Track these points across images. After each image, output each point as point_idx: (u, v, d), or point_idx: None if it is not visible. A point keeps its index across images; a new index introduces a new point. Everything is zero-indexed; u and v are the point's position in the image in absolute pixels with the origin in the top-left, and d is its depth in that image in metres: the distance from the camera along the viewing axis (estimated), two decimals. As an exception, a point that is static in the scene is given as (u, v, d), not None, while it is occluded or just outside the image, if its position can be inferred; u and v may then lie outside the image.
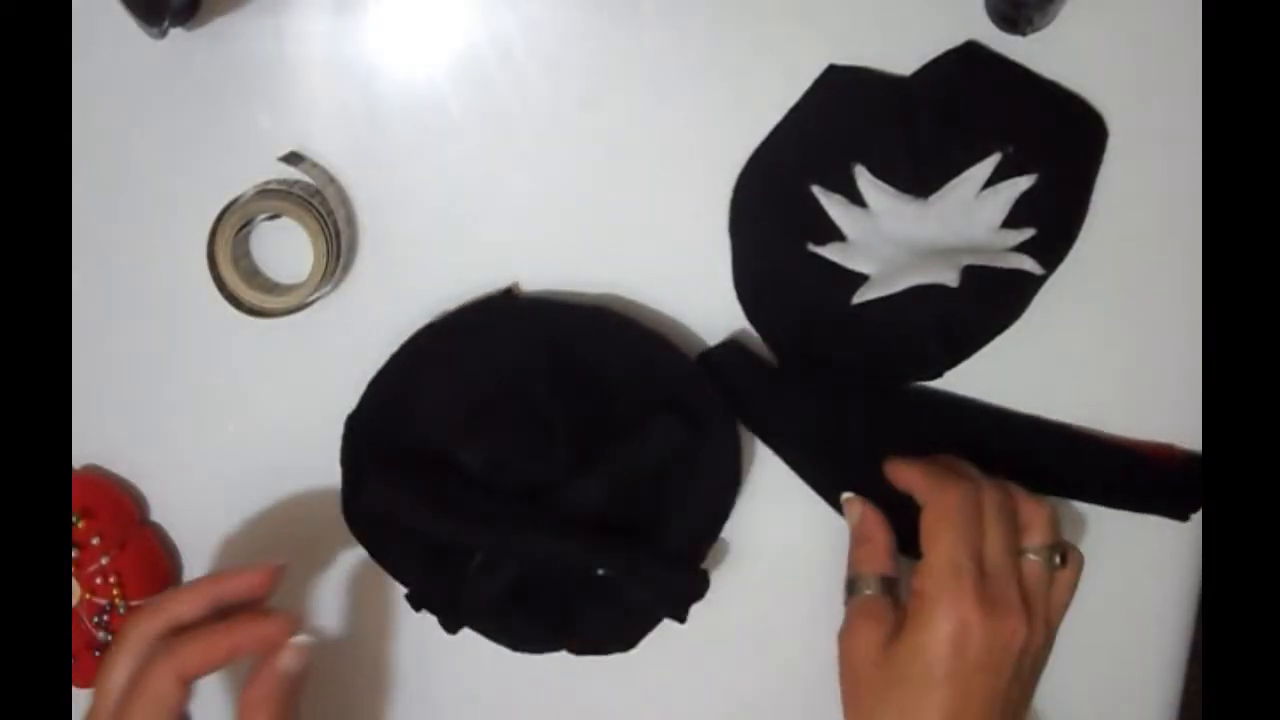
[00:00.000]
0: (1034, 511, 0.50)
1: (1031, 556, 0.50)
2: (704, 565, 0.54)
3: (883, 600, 0.51)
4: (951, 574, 0.48)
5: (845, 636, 0.51)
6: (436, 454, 0.52)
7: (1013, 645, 0.48)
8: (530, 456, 0.52)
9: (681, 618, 0.53)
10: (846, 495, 0.53)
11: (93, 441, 0.56)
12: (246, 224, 0.52)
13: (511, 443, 0.52)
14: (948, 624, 0.48)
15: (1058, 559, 0.50)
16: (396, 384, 0.53)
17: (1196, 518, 0.55)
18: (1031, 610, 0.49)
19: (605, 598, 0.53)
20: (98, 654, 0.55)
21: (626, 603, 0.54)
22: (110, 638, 0.55)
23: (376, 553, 0.54)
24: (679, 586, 0.53)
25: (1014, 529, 0.50)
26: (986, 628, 0.48)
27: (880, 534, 0.52)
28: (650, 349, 0.53)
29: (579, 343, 0.52)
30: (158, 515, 0.57)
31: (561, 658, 0.55)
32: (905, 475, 0.51)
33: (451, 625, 0.54)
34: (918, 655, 0.48)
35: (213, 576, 0.50)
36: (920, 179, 0.53)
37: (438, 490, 0.52)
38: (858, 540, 0.53)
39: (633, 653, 0.56)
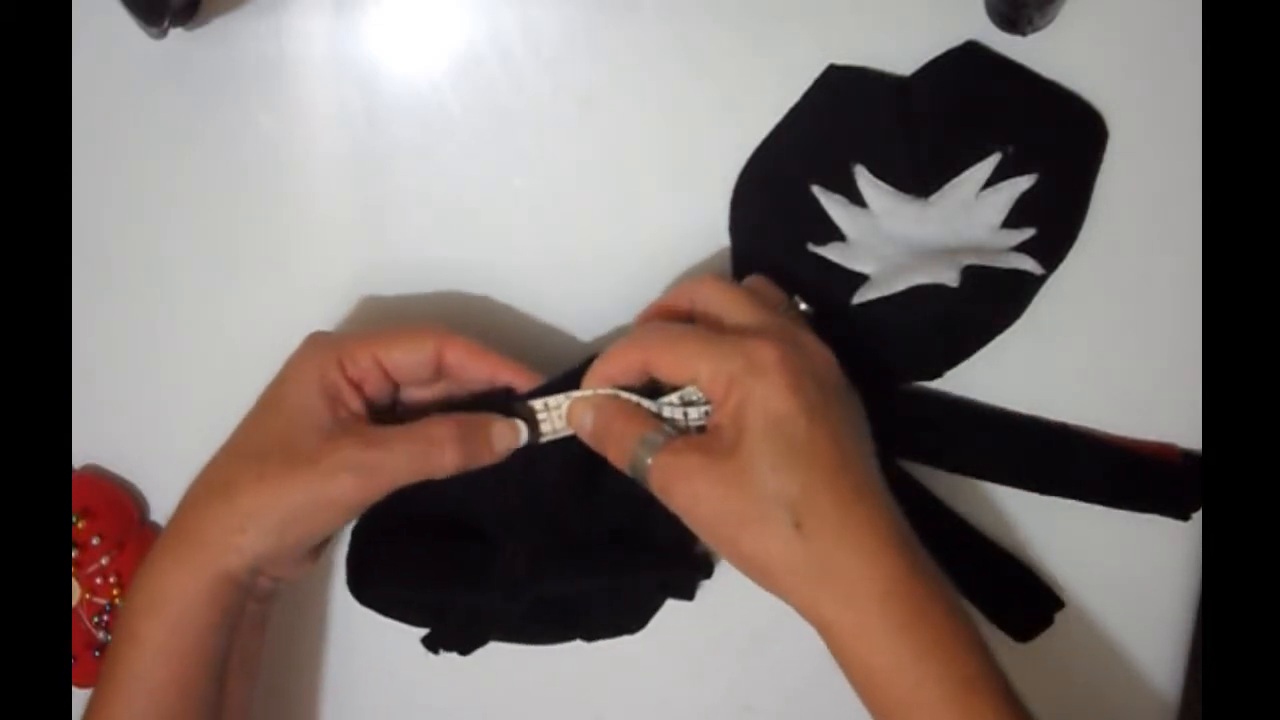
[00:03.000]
0: (753, 285, 0.49)
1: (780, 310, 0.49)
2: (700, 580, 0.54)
3: (679, 439, 0.46)
4: (728, 350, 0.45)
5: (678, 492, 0.45)
6: (431, 505, 0.52)
7: (830, 361, 0.47)
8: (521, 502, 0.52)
9: (689, 597, 0.54)
10: (569, 411, 0.49)
11: (93, 441, 0.56)
12: None
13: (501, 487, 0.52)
14: (769, 374, 0.44)
15: (802, 305, 0.50)
16: None
17: (1197, 517, 0.55)
18: (814, 336, 0.47)
19: (612, 590, 0.53)
20: (98, 654, 0.55)
21: (632, 592, 0.54)
22: (110, 638, 0.55)
23: (385, 613, 0.54)
24: (680, 575, 0.54)
25: (744, 295, 0.48)
26: (799, 354, 0.45)
27: (618, 404, 0.48)
28: None
29: None
30: (158, 515, 0.57)
31: (561, 658, 0.55)
32: (605, 374, 0.48)
33: (467, 651, 0.54)
34: (772, 426, 0.44)
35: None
36: (920, 179, 0.53)
37: (437, 559, 0.52)
38: (603, 432, 0.48)
39: (633, 653, 0.56)
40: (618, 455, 0.47)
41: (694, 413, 0.48)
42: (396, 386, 0.51)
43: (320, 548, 0.51)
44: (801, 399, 0.44)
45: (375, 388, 0.49)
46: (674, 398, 0.48)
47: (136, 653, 0.47)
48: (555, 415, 0.50)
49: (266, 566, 0.48)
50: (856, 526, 0.44)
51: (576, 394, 0.49)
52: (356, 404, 0.49)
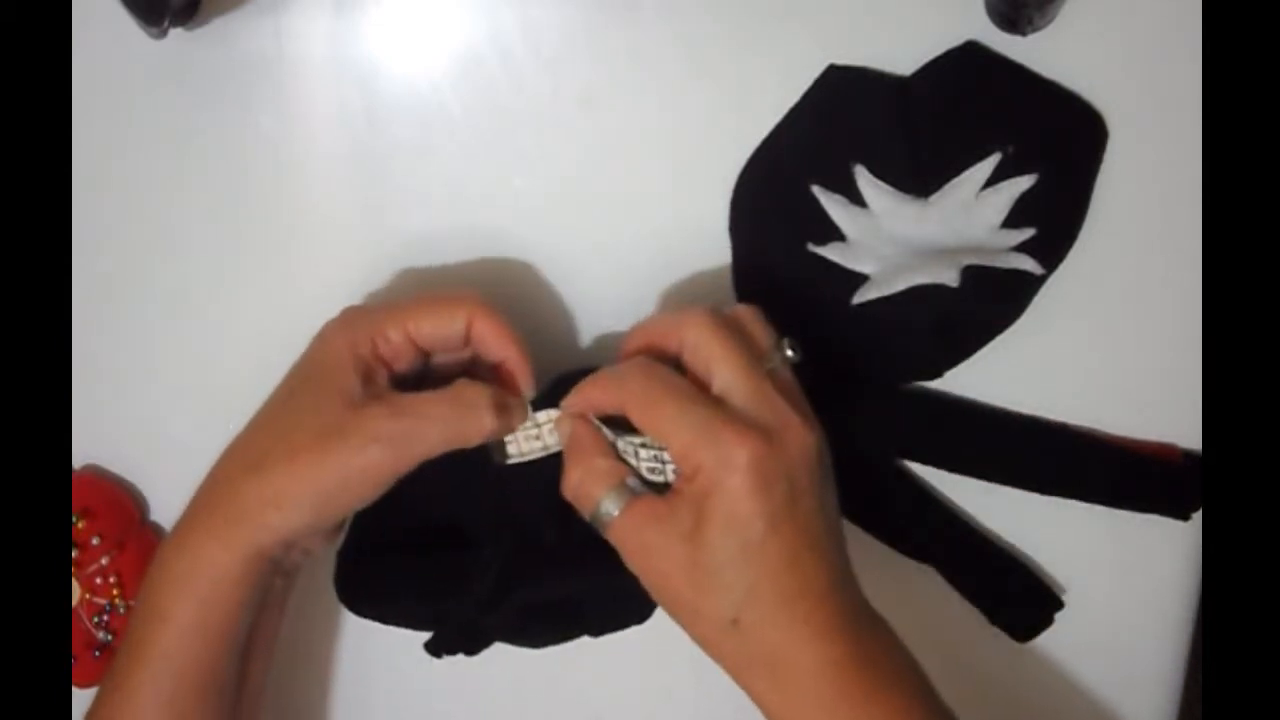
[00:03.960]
0: (743, 321, 0.48)
1: (768, 365, 0.47)
2: None
3: (646, 501, 0.46)
4: (703, 433, 0.44)
5: (636, 558, 0.46)
6: (408, 517, 0.52)
7: (808, 455, 0.45)
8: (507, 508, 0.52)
9: None
10: (558, 414, 0.49)
11: (93, 441, 0.56)
12: None
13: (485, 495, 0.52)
14: (737, 475, 0.43)
15: (789, 351, 0.47)
16: None
17: (1197, 517, 0.55)
18: (801, 411, 0.46)
19: (613, 582, 0.53)
20: (98, 654, 0.55)
21: (635, 586, 0.54)
22: (110, 638, 0.55)
23: (384, 621, 0.54)
24: None
25: (733, 350, 0.46)
26: (775, 453, 0.44)
27: (593, 441, 0.48)
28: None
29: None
30: (158, 515, 0.57)
31: (560, 658, 0.55)
32: (588, 399, 0.48)
33: (473, 653, 0.54)
34: (730, 525, 0.44)
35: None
36: (920, 179, 0.53)
37: (417, 570, 0.52)
38: (574, 458, 0.48)
39: (633, 653, 0.56)
40: (579, 499, 0.48)
41: (668, 469, 0.47)
42: (427, 355, 0.50)
43: (345, 523, 0.51)
44: (765, 504, 0.44)
45: (407, 362, 0.49)
46: (648, 453, 0.47)
47: (164, 630, 0.46)
48: (546, 430, 0.50)
49: (298, 540, 0.48)
50: (793, 621, 0.44)
51: (558, 412, 0.49)
52: (384, 379, 0.49)
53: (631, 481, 0.47)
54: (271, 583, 0.48)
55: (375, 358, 0.48)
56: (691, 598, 0.45)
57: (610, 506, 0.46)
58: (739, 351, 0.46)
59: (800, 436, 0.45)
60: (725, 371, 0.46)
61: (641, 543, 0.46)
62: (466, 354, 0.51)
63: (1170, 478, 0.55)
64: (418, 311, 0.48)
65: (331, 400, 0.47)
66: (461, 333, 0.49)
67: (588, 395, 0.48)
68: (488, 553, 0.51)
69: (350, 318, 0.50)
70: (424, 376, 0.52)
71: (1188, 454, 0.55)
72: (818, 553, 0.45)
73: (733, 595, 0.44)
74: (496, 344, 0.49)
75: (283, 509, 0.46)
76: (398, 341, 0.48)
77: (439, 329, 0.48)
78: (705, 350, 0.46)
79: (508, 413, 0.48)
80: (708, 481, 0.44)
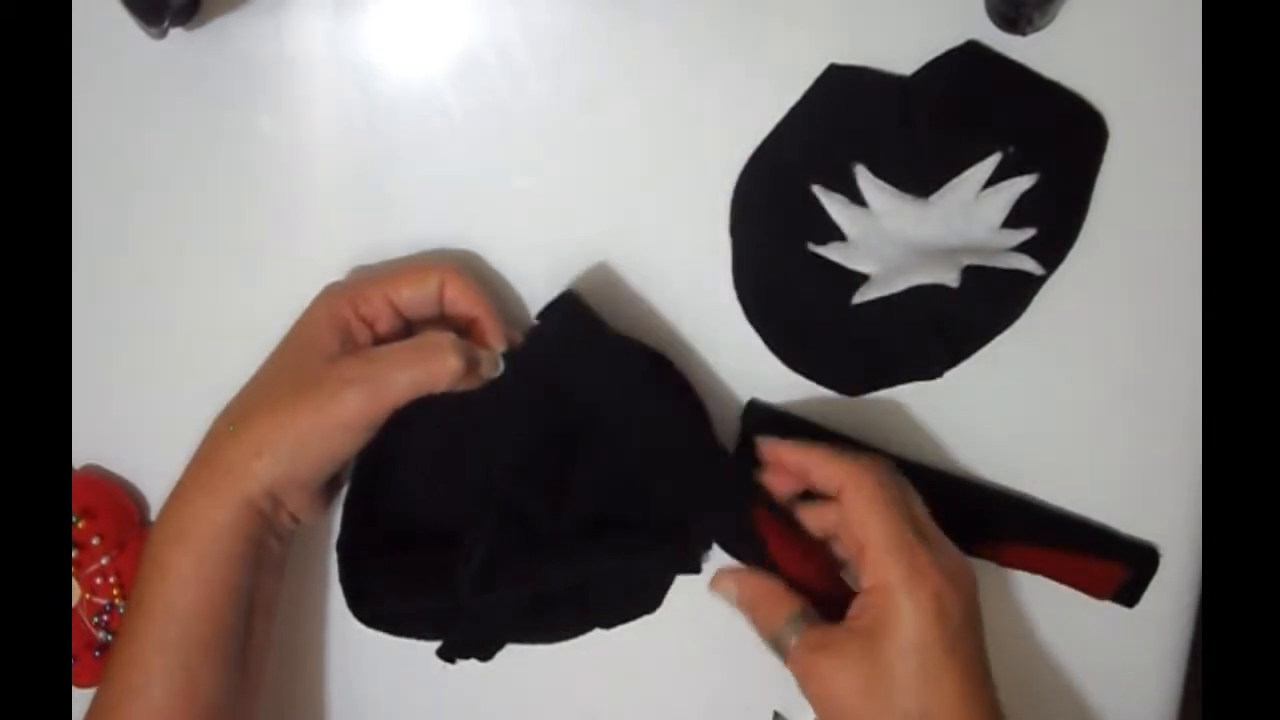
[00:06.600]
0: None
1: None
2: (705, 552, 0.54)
3: (820, 629, 0.48)
4: (903, 553, 0.46)
5: (811, 684, 0.48)
6: (403, 516, 0.53)
7: (974, 597, 0.48)
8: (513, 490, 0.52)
9: (697, 570, 0.54)
10: (714, 581, 0.51)
11: (93, 441, 0.56)
12: None
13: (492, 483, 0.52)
14: (924, 603, 0.46)
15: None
16: (379, 451, 0.51)
17: (1196, 515, 0.55)
18: (960, 557, 0.48)
19: (619, 574, 0.53)
20: (98, 654, 0.55)
21: (640, 572, 0.54)
22: (110, 638, 0.55)
23: (397, 633, 0.54)
24: (682, 550, 0.53)
25: (912, 501, 0.49)
26: (954, 590, 0.46)
27: (767, 584, 0.50)
28: (604, 350, 0.52)
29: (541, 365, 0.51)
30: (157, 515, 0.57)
31: (559, 658, 0.55)
32: (816, 457, 0.50)
33: (486, 658, 0.54)
34: (909, 650, 0.46)
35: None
36: (920, 179, 0.53)
37: (416, 564, 0.52)
38: (752, 605, 0.50)
39: (631, 653, 0.56)
40: (765, 628, 0.50)
41: None
42: (409, 324, 0.52)
43: (332, 491, 0.52)
44: (944, 630, 0.46)
45: (388, 325, 0.51)
46: None
47: (166, 582, 0.48)
48: None
49: (284, 496, 0.49)
50: None
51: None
52: (365, 339, 0.51)
53: (808, 611, 0.49)
54: (265, 540, 0.49)
55: (357, 318, 0.50)
56: (880, 699, 0.46)
57: (793, 633, 0.48)
58: (917, 503, 0.49)
59: (968, 578, 0.48)
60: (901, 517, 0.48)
61: (820, 672, 0.47)
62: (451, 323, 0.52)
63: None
64: (395, 275, 0.51)
65: (311, 359, 0.49)
66: (435, 294, 0.51)
67: (817, 455, 0.49)
68: (474, 531, 0.51)
69: (330, 288, 0.52)
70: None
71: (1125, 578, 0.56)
72: (987, 688, 0.47)
73: (909, 716, 0.46)
74: (468, 303, 0.51)
75: (263, 457, 0.48)
76: (378, 302, 0.50)
77: (415, 292, 0.50)
78: (880, 496, 0.48)
79: (476, 361, 0.49)
80: (891, 605, 0.46)
